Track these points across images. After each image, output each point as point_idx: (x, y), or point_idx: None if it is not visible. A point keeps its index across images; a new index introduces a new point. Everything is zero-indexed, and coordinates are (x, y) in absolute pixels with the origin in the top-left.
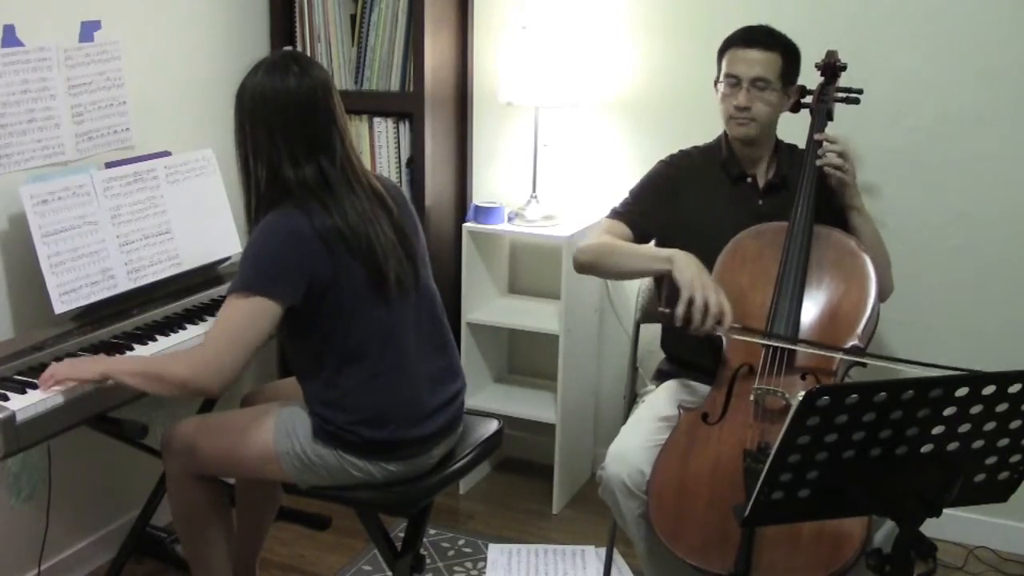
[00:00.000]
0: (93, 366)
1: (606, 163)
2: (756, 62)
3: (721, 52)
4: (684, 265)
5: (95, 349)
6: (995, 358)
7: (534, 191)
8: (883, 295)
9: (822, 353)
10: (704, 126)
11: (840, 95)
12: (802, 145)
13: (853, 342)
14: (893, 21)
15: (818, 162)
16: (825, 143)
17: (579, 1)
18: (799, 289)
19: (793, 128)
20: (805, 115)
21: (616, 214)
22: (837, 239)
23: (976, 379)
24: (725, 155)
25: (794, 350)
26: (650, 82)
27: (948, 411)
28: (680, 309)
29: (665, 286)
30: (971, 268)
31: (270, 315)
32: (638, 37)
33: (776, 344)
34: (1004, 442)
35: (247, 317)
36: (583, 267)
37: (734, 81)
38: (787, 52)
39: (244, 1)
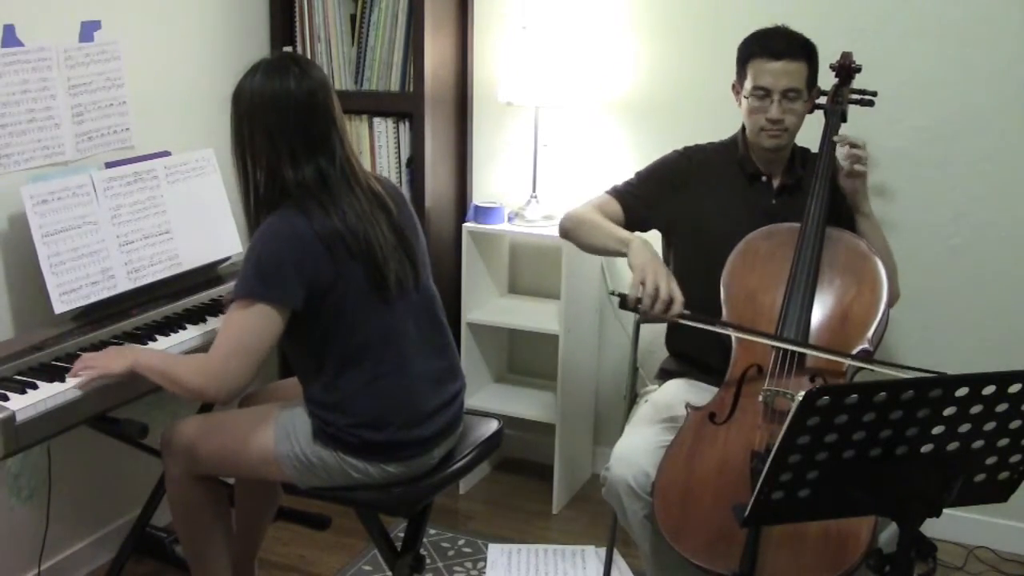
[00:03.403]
0: (122, 360)
1: (606, 163)
2: (785, 74)
3: (744, 61)
4: (638, 250)
5: (96, 349)
6: (995, 358)
7: (534, 191)
8: (890, 301)
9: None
10: (704, 125)
11: (855, 97)
12: (814, 147)
13: (863, 346)
14: (895, 21)
15: (844, 163)
16: (850, 146)
17: (579, 1)
18: (810, 291)
19: (805, 128)
20: (817, 115)
21: (615, 191)
22: (849, 241)
23: (976, 379)
24: (742, 153)
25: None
26: (650, 82)
27: (948, 411)
28: (631, 292)
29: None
30: (971, 268)
31: (274, 321)
32: (638, 37)
33: (728, 333)
34: (1004, 442)
35: (252, 325)
36: (563, 232)
37: (763, 94)
38: (811, 57)
39: (244, 1)
